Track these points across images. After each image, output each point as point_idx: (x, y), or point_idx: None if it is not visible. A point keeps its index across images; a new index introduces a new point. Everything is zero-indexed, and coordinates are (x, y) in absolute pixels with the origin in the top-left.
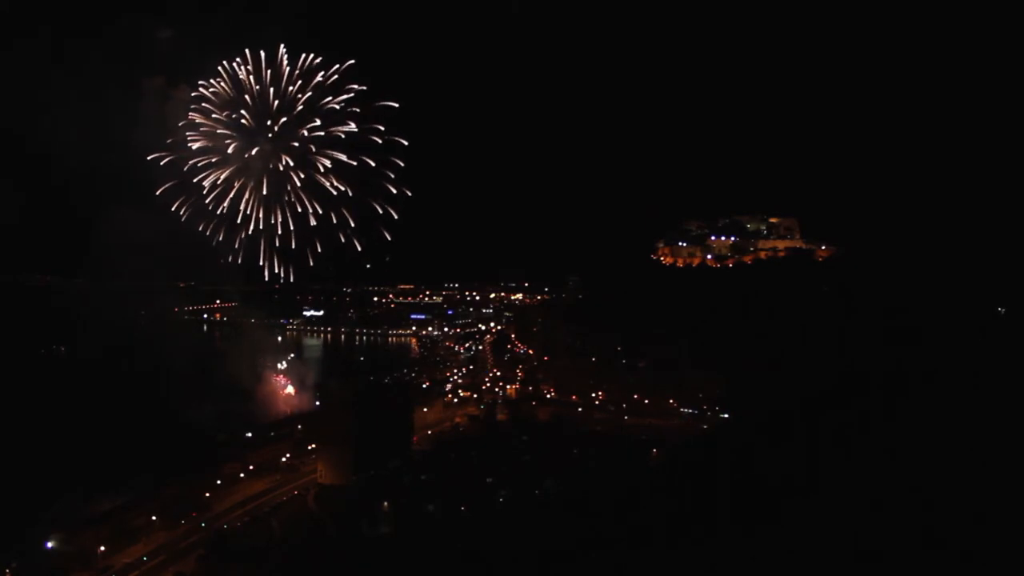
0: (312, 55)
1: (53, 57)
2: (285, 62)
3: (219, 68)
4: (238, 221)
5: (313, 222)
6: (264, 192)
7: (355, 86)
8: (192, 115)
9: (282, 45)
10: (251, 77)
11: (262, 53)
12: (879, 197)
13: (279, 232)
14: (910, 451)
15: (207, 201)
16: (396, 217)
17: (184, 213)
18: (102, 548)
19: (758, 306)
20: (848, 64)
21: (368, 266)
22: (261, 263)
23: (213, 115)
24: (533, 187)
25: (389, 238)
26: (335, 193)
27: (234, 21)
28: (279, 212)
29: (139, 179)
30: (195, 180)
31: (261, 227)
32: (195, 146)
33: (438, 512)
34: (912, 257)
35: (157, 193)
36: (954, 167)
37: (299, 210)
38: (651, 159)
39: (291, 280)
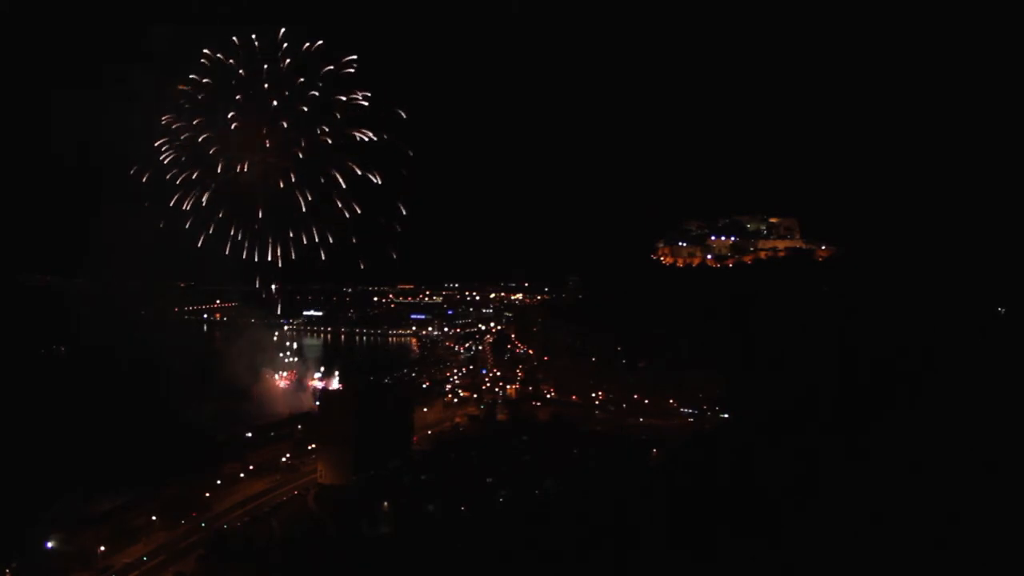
0: (319, 42)
1: (52, 56)
2: (284, 49)
3: (204, 61)
4: (226, 252)
5: (316, 239)
6: (260, 215)
7: (359, 93)
8: (167, 119)
9: (282, 30)
10: (243, 71)
11: (255, 40)
12: (879, 197)
13: (279, 265)
14: (910, 451)
15: (188, 225)
16: (400, 230)
17: (174, 224)
18: (102, 548)
19: (758, 306)
20: (848, 64)
21: (364, 266)
22: (258, 286)
23: (196, 121)
24: (533, 188)
25: (396, 256)
26: (348, 216)
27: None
28: (279, 247)
29: (137, 179)
30: (171, 204)
31: (256, 259)
32: (170, 159)
33: (438, 512)
34: (912, 257)
35: (145, 204)
36: (954, 167)
37: (304, 240)
38: (651, 159)
39: (289, 289)
